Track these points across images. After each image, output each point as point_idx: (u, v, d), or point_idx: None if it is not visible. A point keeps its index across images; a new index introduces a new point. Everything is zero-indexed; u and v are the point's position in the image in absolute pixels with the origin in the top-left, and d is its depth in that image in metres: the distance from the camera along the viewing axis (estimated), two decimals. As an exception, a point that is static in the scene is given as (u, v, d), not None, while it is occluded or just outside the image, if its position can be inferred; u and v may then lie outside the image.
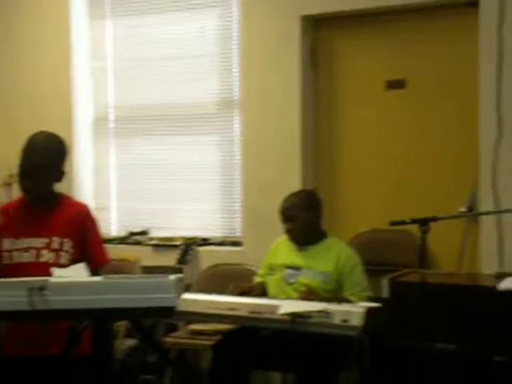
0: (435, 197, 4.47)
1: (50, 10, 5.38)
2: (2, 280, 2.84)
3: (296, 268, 3.80)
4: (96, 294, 2.59)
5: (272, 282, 3.85)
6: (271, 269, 3.90)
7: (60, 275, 2.74)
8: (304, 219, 3.82)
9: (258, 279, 3.99)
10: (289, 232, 3.84)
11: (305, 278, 3.76)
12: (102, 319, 2.73)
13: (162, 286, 2.61)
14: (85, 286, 2.62)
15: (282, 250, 3.93)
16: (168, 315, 2.78)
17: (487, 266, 4.09)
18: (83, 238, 3.13)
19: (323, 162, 4.85)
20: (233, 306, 3.44)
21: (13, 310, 2.57)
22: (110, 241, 5.18)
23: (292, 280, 3.78)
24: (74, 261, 3.06)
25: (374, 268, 4.16)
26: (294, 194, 3.94)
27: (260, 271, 4.02)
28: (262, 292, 3.82)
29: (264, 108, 4.81)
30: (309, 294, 3.62)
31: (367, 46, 4.67)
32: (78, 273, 2.82)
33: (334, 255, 3.80)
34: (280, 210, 3.88)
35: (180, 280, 2.69)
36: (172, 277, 2.63)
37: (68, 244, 3.10)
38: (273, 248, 3.99)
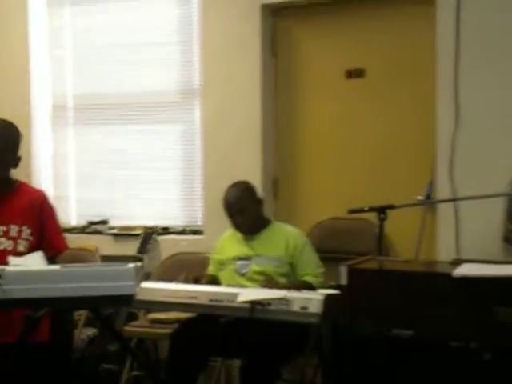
0: (394, 185, 4.51)
1: (8, -3, 5.32)
2: (-42, 269, 2.81)
3: (246, 258, 3.84)
4: (53, 282, 2.57)
5: (225, 276, 3.86)
6: (221, 264, 3.91)
7: (16, 264, 2.71)
8: (252, 209, 3.86)
9: (208, 273, 4.00)
10: (239, 225, 3.85)
11: (257, 266, 3.79)
12: (59, 308, 2.72)
13: (120, 275, 2.60)
14: (42, 274, 2.60)
15: (229, 243, 3.96)
16: (127, 303, 2.77)
17: (444, 253, 4.15)
18: (41, 225, 3.12)
19: (284, 151, 4.87)
20: (192, 295, 3.44)
21: (-32, 299, 2.54)
22: (70, 230, 5.13)
23: (244, 270, 3.81)
24: (32, 248, 3.04)
25: (333, 256, 4.19)
26: (234, 188, 3.93)
27: (210, 267, 4.02)
28: (212, 280, 3.83)
29: (225, 97, 4.80)
30: (269, 282, 3.64)
31: (326, 35, 4.69)
32: (35, 261, 2.80)
33: (282, 239, 3.85)
34: (226, 205, 3.88)
35: (139, 268, 2.69)
36: (131, 265, 2.63)
37: (26, 232, 3.08)
38: (219, 244, 4.01)
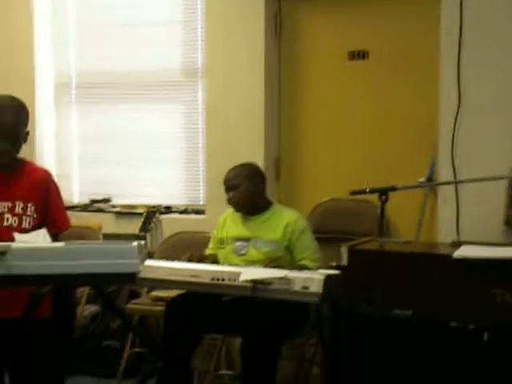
0: (396, 167, 4.53)
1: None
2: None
3: (245, 239, 3.84)
4: (58, 259, 2.59)
5: (222, 255, 3.88)
6: (221, 242, 3.93)
7: (22, 240, 2.74)
8: (245, 187, 3.85)
9: (208, 251, 4.02)
10: (230, 200, 3.88)
11: (254, 248, 3.80)
12: (63, 285, 2.74)
13: (124, 252, 2.61)
14: (46, 251, 2.61)
15: (230, 222, 3.97)
16: (130, 281, 2.79)
17: (445, 234, 4.17)
18: (45, 202, 3.14)
19: (286, 132, 4.88)
20: (194, 273, 3.46)
21: (-25, 275, 2.56)
22: (72, 208, 5.17)
23: (242, 251, 3.82)
24: (36, 225, 3.06)
25: (334, 236, 4.23)
26: (236, 166, 3.96)
27: (210, 245, 4.04)
28: (214, 261, 3.85)
29: (228, 77, 4.81)
30: (271, 262, 3.66)
31: (329, 17, 4.69)
32: (40, 238, 2.82)
33: (280, 222, 3.83)
34: (224, 181, 3.91)
35: (142, 246, 2.70)
36: (134, 243, 2.64)
37: (31, 208, 3.10)
38: (220, 221, 4.02)
